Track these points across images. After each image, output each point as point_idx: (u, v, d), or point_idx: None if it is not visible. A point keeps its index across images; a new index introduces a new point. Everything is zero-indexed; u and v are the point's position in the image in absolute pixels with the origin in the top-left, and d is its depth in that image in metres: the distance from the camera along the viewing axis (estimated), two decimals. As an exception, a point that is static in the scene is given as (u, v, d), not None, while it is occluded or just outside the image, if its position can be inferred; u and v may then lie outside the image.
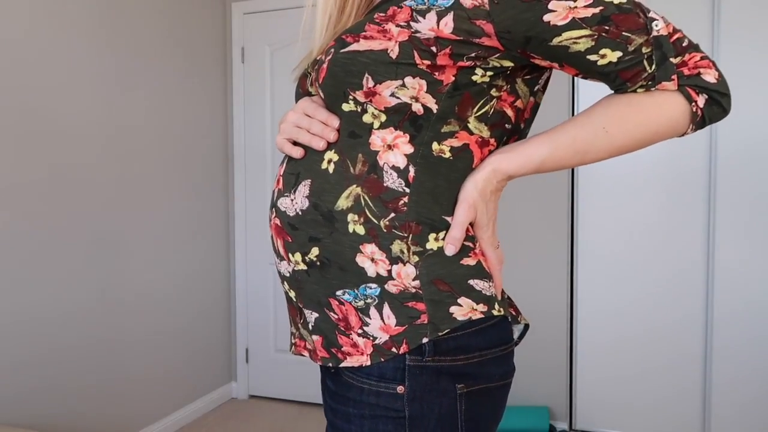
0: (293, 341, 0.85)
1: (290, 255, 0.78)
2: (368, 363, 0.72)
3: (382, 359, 0.72)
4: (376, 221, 0.72)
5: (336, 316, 0.75)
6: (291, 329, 0.85)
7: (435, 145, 0.72)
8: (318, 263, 0.75)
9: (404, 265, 0.72)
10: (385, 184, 0.72)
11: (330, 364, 0.76)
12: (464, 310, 0.72)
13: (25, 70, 2.05)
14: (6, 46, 1.99)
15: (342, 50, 0.72)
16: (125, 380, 2.50)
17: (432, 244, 0.73)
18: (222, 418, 2.93)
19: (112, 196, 2.41)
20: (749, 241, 2.39)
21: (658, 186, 2.51)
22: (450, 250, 0.72)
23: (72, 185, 2.23)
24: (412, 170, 0.72)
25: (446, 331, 0.71)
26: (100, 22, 2.35)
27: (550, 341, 2.67)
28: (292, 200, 0.77)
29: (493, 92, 0.73)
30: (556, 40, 0.67)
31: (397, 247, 0.72)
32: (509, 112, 0.75)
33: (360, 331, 0.73)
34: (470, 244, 0.74)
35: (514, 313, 0.83)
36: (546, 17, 0.66)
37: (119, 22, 2.44)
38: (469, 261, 0.74)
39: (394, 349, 0.71)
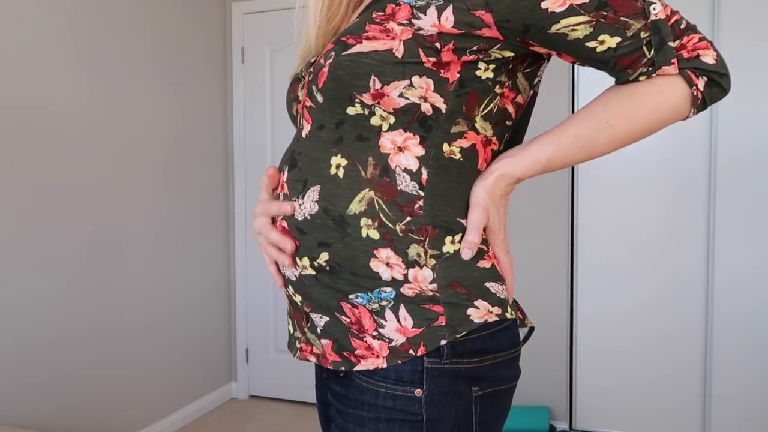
0: (298, 346, 0.83)
1: (297, 259, 0.76)
2: (384, 365, 0.71)
3: (399, 361, 0.70)
4: (391, 225, 0.71)
5: (348, 320, 0.74)
6: (295, 334, 0.83)
7: (446, 147, 0.72)
8: (328, 268, 0.73)
9: (421, 268, 0.71)
10: (399, 188, 0.71)
11: (342, 368, 0.74)
12: (480, 312, 0.72)
13: (22, 72, 2.05)
14: (5, 49, 1.99)
15: (344, 53, 0.70)
16: (125, 380, 2.49)
17: (448, 248, 0.72)
18: (222, 418, 2.93)
19: (112, 195, 2.41)
20: (750, 248, 2.39)
21: (658, 194, 2.51)
22: (467, 255, 0.72)
23: (72, 185, 2.23)
24: (424, 173, 0.71)
25: (463, 333, 0.70)
26: (99, 22, 2.35)
27: (550, 341, 2.67)
28: (300, 204, 0.75)
29: (497, 89, 0.73)
30: (554, 28, 0.67)
31: (413, 251, 0.71)
32: (510, 108, 0.76)
33: (375, 333, 0.72)
34: (484, 248, 0.74)
35: (521, 316, 0.83)
36: (544, 4, 0.66)
37: (119, 22, 2.44)
38: (485, 264, 0.74)
39: (411, 351, 0.70)
